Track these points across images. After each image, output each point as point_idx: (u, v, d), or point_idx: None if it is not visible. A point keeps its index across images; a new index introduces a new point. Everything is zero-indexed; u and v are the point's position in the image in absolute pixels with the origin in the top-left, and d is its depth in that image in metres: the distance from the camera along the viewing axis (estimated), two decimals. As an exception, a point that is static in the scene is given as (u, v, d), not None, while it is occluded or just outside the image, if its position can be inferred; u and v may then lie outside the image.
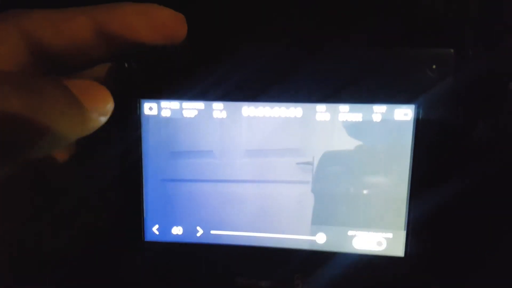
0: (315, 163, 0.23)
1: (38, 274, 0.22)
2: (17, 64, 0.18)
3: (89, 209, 0.24)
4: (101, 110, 0.17)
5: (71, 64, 0.19)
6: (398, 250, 0.24)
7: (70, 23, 0.18)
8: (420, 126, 0.22)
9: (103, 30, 0.19)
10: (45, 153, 0.17)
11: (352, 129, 0.23)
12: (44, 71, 0.19)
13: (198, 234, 0.25)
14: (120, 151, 0.24)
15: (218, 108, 0.23)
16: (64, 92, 0.16)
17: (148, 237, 0.25)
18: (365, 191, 0.23)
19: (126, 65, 0.22)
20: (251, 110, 0.23)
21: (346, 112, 0.23)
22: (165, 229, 0.25)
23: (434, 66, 0.22)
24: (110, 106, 0.18)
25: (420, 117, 0.22)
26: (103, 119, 0.18)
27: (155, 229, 0.25)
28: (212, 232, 0.25)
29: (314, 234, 0.24)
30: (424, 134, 0.22)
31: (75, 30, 0.19)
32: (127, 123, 0.23)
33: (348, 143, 0.23)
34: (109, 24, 0.19)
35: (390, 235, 0.24)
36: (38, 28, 0.18)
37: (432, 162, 0.23)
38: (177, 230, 0.25)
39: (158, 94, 0.23)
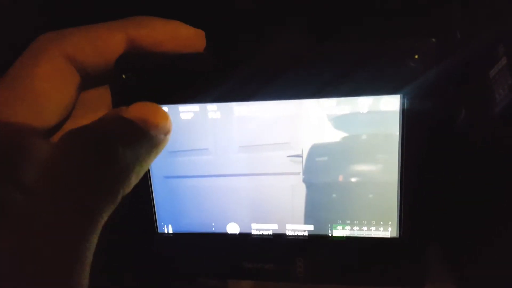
0: (304, 155, 0.25)
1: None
2: (64, 83, 0.20)
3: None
4: (165, 129, 0.19)
5: (99, 74, 0.22)
6: (393, 232, 0.25)
7: (107, 42, 0.20)
8: (407, 115, 0.23)
9: (134, 45, 0.21)
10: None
11: (340, 121, 0.24)
12: (81, 83, 0.21)
13: (205, 225, 0.27)
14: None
15: (213, 109, 0.25)
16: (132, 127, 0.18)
17: (161, 229, 0.28)
18: (355, 180, 0.25)
19: (123, 76, 0.24)
20: (242, 109, 0.24)
21: (333, 106, 0.24)
22: (176, 221, 0.28)
23: (416, 56, 0.22)
24: (170, 122, 0.19)
25: (406, 106, 0.23)
26: (168, 136, 0.19)
27: (166, 221, 0.28)
28: (218, 222, 0.27)
29: (310, 221, 0.26)
30: (411, 122, 0.23)
31: (112, 47, 0.21)
32: None
33: (336, 135, 0.24)
34: (140, 39, 0.21)
35: (384, 219, 0.25)
36: (80, 50, 0.20)
37: (421, 149, 0.23)
38: (186, 222, 0.28)
39: (156, 100, 0.25)
